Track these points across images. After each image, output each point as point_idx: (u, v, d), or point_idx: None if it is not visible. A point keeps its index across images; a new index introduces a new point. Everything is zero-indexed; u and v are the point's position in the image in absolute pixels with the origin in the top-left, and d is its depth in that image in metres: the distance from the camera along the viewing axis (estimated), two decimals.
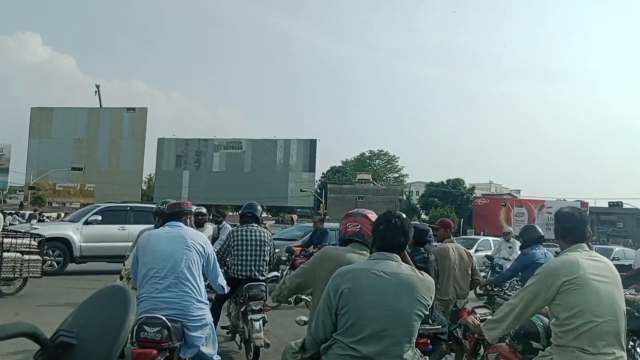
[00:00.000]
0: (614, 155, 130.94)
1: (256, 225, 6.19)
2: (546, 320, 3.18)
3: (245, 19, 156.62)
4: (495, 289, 6.51)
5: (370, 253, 2.82)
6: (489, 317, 3.12)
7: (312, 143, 72.49)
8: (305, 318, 3.54)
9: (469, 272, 5.77)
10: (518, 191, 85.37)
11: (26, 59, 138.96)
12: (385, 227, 2.61)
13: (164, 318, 3.73)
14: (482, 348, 3.92)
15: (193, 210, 4.51)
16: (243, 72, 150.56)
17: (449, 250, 5.68)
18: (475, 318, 3.41)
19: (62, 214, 25.67)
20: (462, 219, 58.09)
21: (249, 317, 5.66)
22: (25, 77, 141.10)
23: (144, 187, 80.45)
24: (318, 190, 72.01)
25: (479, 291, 8.79)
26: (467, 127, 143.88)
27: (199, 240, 4.17)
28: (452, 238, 5.96)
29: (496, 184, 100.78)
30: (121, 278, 5.69)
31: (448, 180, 77.21)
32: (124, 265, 5.86)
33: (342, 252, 2.99)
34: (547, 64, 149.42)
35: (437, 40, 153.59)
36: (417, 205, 75.50)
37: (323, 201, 64.92)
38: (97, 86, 75.72)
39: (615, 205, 52.53)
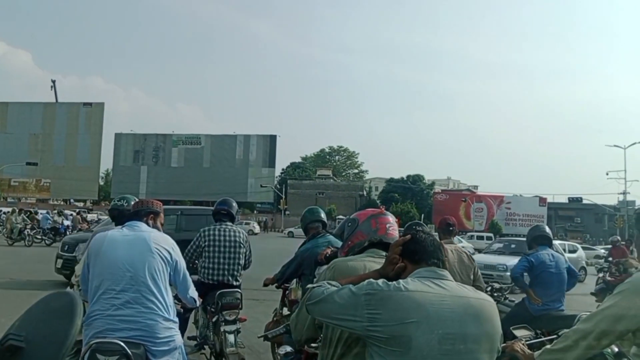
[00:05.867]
0: (570, 152, 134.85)
1: (231, 224, 5.53)
2: (615, 347, 2.55)
3: (205, 16, 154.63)
4: (495, 294, 5.95)
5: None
6: (548, 346, 2.42)
7: (272, 139, 71.96)
8: (289, 348, 2.84)
9: (471, 277, 5.12)
10: (476, 187, 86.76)
11: None
12: (432, 238, 1.96)
13: (122, 344, 2.95)
14: None
15: (160, 210, 3.68)
16: (203, 68, 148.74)
17: (448, 253, 5.02)
18: (523, 345, 2.72)
19: (17, 210, 24.45)
20: (422, 215, 58.30)
21: (222, 329, 4.99)
22: None
23: (101, 183, 78.94)
24: (278, 185, 71.54)
25: None
26: (425, 124, 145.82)
27: (165, 244, 3.38)
28: (451, 239, 5.32)
29: (454, 180, 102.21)
30: (71, 286, 4.85)
31: (408, 176, 77.58)
32: (75, 272, 4.99)
33: (360, 264, 2.22)
34: (503, 62, 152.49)
35: (397, 38, 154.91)
36: (378, 201, 75.47)
37: (283, 197, 64.28)
38: (53, 81, 75.26)
39: (575, 201, 53.51)
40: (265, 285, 5.44)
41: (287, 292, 5.50)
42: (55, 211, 29.24)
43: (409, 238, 1.95)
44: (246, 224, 47.59)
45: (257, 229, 51.29)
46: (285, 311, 5.26)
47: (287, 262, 5.03)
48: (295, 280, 5.17)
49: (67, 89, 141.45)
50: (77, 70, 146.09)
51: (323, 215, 5.15)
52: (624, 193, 48.20)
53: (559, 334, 2.67)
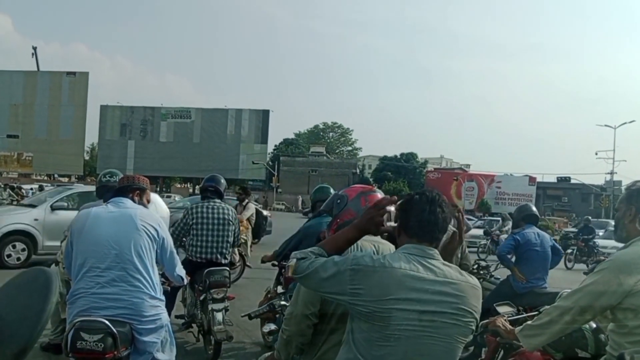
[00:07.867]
0: (561, 131, 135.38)
1: (219, 201, 5.48)
2: (592, 323, 2.58)
3: None
4: (481, 272, 6.00)
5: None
6: (529, 322, 2.50)
7: (265, 114, 71.12)
8: (274, 326, 2.83)
9: (458, 255, 5.14)
10: (468, 165, 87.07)
11: None
12: (430, 210, 1.85)
13: (107, 322, 2.92)
14: (502, 353, 3.26)
15: (146, 186, 3.63)
16: (192, 37, 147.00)
17: None
18: (505, 320, 2.78)
19: (2, 185, 23.97)
20: None
21: (210, 307, 4.97)
22: None
23: (86, 157, 77.47)
24: (270, 162, 71.17)
25: None
26: (419, 102, 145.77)
27: (151, 221, 3.33)
28: None
29: (447, 159, 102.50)
30: (57, 263, 4.80)
31: (401, 154, 77.66)
32: (60, 248, 4.93)
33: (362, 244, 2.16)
34: (496, 41, 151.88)
35: (389, 14, 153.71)
36: (371, 179, 75.67)
37: (275, 174, 64.15)
38: (34, 48, 71.80)
39: (563, 180, 53.96)
40: (263, 262, 5.42)
41: (283, 269, 5.49)
42: (37, 186, 28.51)
43: (404, 204, 1.92)
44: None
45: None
46: (280, 289, 5.25)
47: (287, 238, 5.03)
48: None
49: (49, 57, 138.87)
50: (59, 36, 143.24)
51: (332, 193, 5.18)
52: (611, 173, 48.38)
53: (541, 310, 2.75)
